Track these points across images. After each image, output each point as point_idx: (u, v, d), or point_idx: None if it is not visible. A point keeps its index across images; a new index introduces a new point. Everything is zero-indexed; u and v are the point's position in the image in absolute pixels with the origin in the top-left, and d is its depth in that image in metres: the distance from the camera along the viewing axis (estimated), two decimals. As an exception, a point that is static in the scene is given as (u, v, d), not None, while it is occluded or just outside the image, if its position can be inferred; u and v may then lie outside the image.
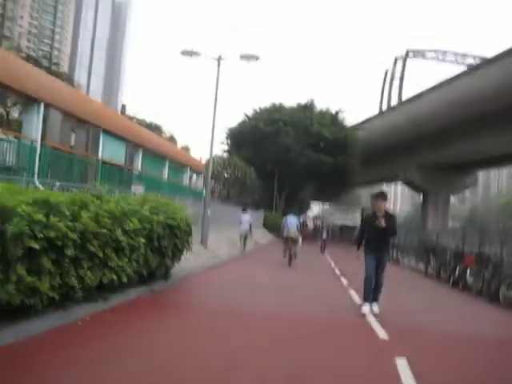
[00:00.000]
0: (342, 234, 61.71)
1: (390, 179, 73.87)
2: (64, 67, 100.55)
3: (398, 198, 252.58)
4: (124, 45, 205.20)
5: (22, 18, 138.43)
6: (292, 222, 19.98)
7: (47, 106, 17.05)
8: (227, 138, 58.99)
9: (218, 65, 20.69)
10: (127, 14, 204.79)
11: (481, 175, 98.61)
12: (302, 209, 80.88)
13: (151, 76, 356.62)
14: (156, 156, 29.97)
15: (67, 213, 6.28)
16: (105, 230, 7.13)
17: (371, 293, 9.89)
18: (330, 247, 31.35)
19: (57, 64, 51.70)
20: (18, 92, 16.45)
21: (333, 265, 23.03)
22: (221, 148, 60.22)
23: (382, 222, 9.66)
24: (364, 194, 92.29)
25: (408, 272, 24.56)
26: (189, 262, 15.12)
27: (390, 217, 10.07)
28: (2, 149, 14.99)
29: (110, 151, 22.59)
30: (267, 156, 51.63)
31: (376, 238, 9.88)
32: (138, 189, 19.04)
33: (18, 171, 14.80)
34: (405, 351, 6.95)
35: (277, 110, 56.15)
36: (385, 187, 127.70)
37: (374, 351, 7.29)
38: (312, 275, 18.39)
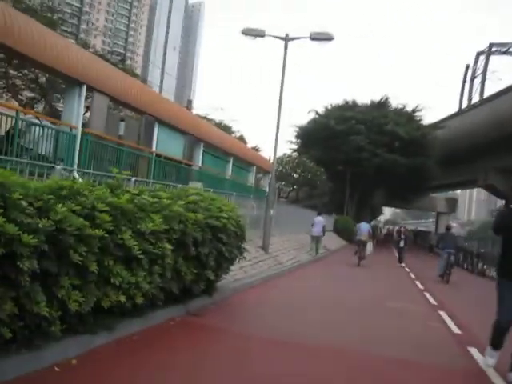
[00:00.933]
0: (416, 240, 58.01)
1: (468, 184, 69.04)
2: (137, 69, 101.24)
3: (473, 205, 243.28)
4: (197, 45, 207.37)
5: (97, 20, 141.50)
6: (364, 228, 22.95)
7: (90, 88, 15.10)
8: (297, 136, 56.49)
9: (285, 47, 18.22)
10: (199, 15, 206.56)
11: None
12: (373, 213, 77.44)
13: (223, 74, 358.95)
14: (219, 152, 27.90)
15: (24, 204, 4.04)
16: (100, 232, 4.82)
17: (504, 341, 6.52)
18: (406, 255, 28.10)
19: (123, 60, 50.40)
20: (54, 70, 14.39)
21: (413, 276, 20.22)
22: (290, 147, 57.97)
23: None
24: (439, 198, 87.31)
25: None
26: (245, 271, 12.85)
27: None
28: (34, 134, 13.10)
29: (166, 144, 20.62)
30: (338, 156, 48.73)
31: None
32: (196, 186, 16.92)
33: (55, 160, 12.92)
34: None
35: (349, 107, 53.16)
36: (459, 193, 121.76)
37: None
38: (391, 290, 15.71)
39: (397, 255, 26.90)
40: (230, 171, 29.58)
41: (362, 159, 47.84)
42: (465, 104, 60.72)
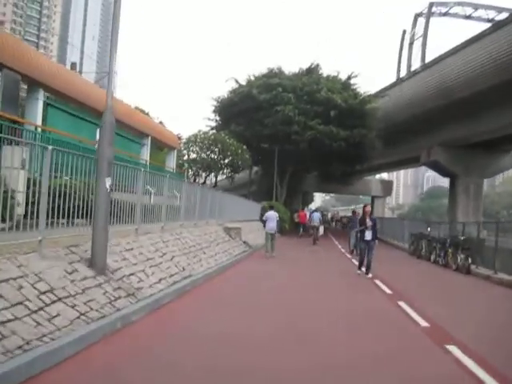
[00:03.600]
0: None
1: (409, 162, 62.01)
2: (52, 58, 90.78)
3: (401, 189, 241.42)
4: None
5: (5, 5, 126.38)
6: (316, 216, 29.96)
7: None
8: (214, 111, 47.32)
9: None
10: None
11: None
12: (305, 200, 70.01)
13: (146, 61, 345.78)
14: (82, 111, 18.88)
15: None
16: None
17: None
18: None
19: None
20: None
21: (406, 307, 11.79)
22: (207, 124, 48.58)
23: None
24: (374, 182, 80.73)
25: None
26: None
27: None
28: None
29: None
30: (263, 131, 40.44)
31: None
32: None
33: None
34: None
35: (274, 74, 44.60)
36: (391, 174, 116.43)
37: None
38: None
39: (356, 260, 16.75)
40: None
41: (291, 133, 39.67)
42: (404, 72, 53.41)
